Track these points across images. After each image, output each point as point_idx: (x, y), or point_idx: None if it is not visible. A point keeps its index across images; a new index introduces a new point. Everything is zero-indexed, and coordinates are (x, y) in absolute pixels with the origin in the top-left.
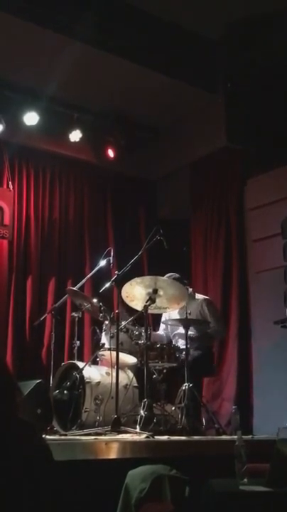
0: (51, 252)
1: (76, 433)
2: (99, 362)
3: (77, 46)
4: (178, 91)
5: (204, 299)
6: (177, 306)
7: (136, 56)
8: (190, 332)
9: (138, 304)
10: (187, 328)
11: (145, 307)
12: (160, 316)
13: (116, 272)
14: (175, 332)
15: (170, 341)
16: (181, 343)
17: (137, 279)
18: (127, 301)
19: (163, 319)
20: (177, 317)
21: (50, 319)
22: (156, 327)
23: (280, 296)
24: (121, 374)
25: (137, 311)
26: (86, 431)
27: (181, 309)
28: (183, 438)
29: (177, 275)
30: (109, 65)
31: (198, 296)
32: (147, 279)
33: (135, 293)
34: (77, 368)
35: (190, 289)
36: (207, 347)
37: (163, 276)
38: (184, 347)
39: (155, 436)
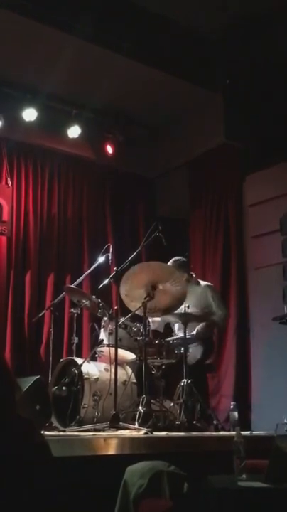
0: (50, 249)
1: (75, 429)
2: (98, 358)
3: (77, 43)
4: (177, 88)
5: (208, 286)
6: (178, 304)
7: (135, 53)
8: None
9: (137, 305)
10: (185, 324)
11: (144, 303)
12: None
13: (115, 268)
14: (175, 324)
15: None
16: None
17: (135, 267)
18: (127, 301)
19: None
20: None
21: (49, 315)
22: None
23: (279, 292)
24: (120, 370)
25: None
26: (84, 427)
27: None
28: (182, 434)
29: (183, 259)
30: (108, 62)
31: (202, 282)
32: (145, 264)
33: (134, 293)
34: (75, 364)
35: (193, 275)
36: (207, 341)
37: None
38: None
39: (154, 433)
